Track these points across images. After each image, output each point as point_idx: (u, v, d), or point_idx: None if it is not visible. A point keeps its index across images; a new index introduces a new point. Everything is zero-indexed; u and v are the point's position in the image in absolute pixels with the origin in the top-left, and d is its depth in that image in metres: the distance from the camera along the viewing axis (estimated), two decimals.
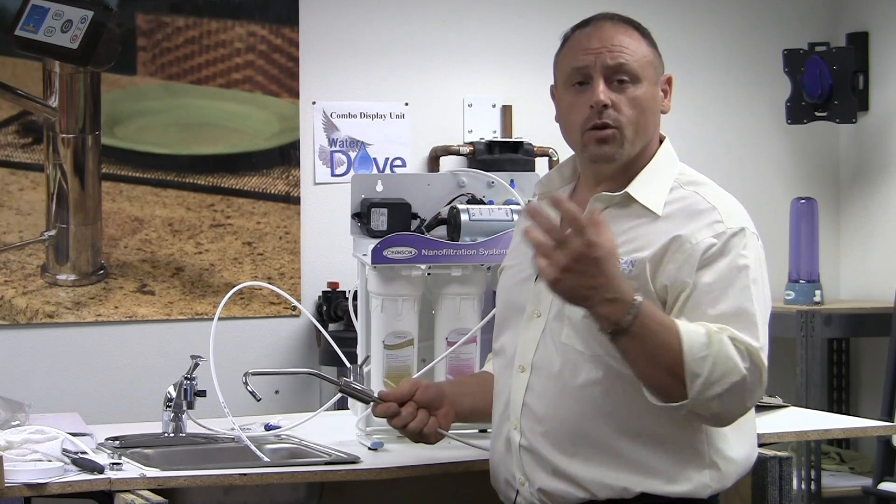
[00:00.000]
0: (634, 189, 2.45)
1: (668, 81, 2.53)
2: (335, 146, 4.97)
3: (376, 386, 3.16)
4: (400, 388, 2.66)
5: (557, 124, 2.55)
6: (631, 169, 2.48)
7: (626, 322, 2.25)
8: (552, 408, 2.42)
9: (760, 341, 2.32)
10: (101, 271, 4.67)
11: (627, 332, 2.25)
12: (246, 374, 2.82)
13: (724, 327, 2.30)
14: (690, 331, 2.28)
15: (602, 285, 2.22)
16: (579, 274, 2.21)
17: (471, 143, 5.01)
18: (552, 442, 2.42)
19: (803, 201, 5.27)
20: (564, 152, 5.06)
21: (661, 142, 2.55)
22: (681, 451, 2.38)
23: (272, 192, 4.87)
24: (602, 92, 2.43)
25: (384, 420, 3.14)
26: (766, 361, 2.32)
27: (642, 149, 2.49)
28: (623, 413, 2.37)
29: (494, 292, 3.21)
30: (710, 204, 2.41)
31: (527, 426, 2.46)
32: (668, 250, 2.36)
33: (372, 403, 2.71)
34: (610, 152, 2.46)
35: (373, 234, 3.12)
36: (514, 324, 2.54)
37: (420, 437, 2.65)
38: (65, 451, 2.82)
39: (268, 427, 3.29)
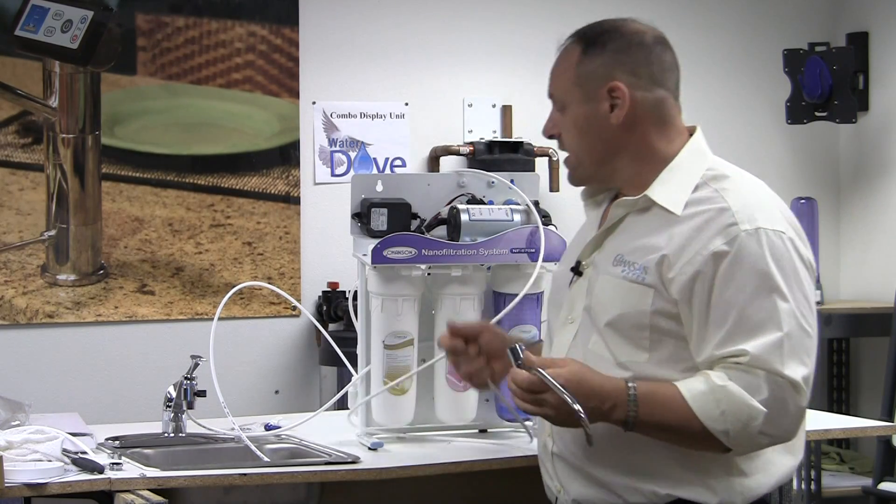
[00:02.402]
0: (654, 190, 2.40)
1: (613, 89, 2.41)
2: (335, 146, 4.97)
3: (376, 386, 3.16)
4: (469, 325, 2.66)
5: None
6: (652, 171, 2.42)
7: (632, 417, 2.27)
8: None
9: (785, 354, 2.25)
10: (101, 271, 4.67)
11: (637, 424, 2.28)
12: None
13: (741, 364, 2.24)
14: (695, 393, 2.26)
15: (594, 406, 2.26)
16: (568, 411, 2.24)
17: (471, 143, 5.01)
18: (584, 449, 2.38)
19: (803, 201, 5.27)
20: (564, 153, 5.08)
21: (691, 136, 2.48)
22: (711, 457, 2.33)
23: (272, 192, 4.87)
24: (548, 121, 2.50)
25: (384, 420, 3.15)
26: (793, 373, 2.25)
27: (654, 152, 2.43)
28: None
29: (494, 292, 3.22)
30: (727, 203, 2.33)
31: (558, 433, 2.45)
32: (680, 259, 2.31)
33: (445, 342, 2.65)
34: (569, 175, 2.53)
35: (373, 234, 3.12)
36: (554, 326, 2.55)
37: (468, 379, 2.65)
38: (65, 451, 2.82)
39: (268, 427, 3.29)
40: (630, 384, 2.28)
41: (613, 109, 2.41)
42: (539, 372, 2.28)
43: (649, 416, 2.27)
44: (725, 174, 2.42)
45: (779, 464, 2.40)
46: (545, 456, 2.51)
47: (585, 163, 2.47)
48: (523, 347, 2.33)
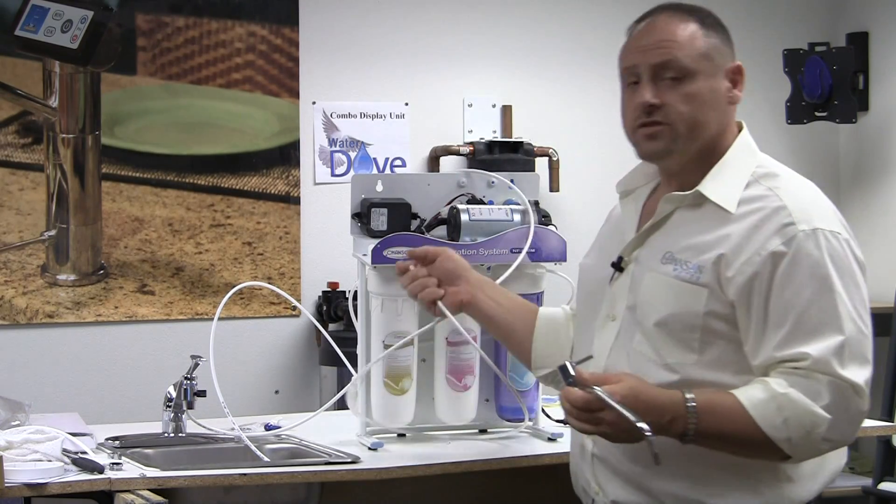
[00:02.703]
0: (706, 186, 2.35)
1: (737, 70, 2.43)
2: (335, 146, 4.97)
3: (376, 385, 3.16)
4: (424, 249, 2.67)
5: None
6: (704, 164, 2.37)
7: (691, 429, 2.21)
8: None
9: (846, 357, 2.23)
10: (101, 271, 4.67)
11: (697, 436, 2.21)
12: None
13: (802, 369, 2.21)
14: (755, 401, 2.20)
15: (653, 420, 2.17)
16: (627, 428, 2.17)
17: (471, 143, 5.01)
18: (624, 451, 2.33)
19: None
20: (564, 152, 5.09)
21: (739, 132, 2.44)
22: (760, 465, 2.29)
23: (272, 192, 4.87)
24: (648, 92, 2.34)
25: (384, 420, 3.15)
26: (855, 376, 2.23)
27: (715, 142, 2.38)
28: None
29: None
30: (782, 202, 2.29)
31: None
32: (737, 260, 2.26)
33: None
34: (659, 147, 2.36)
35: (373, 234, 3.12)
36: (590, 323, 2.47)
37: (413, 295, 2.68)
38: (65, 451, 2.82)
39: (268, 427, 3.29)
40: (688, 396, 2.21)
41: (733, 89, 2.42)
42: (596, 391, 2.20)
43: (709, 428, 2.21)
44: (776, 172, 2.38)
45: (826, 467, 2.38)
46: (582, 457, 2.45)
47: (686, 136, 2.35)
48: (573, 364, 2.25)
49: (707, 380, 2.28)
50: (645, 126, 2.36)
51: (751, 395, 2.22)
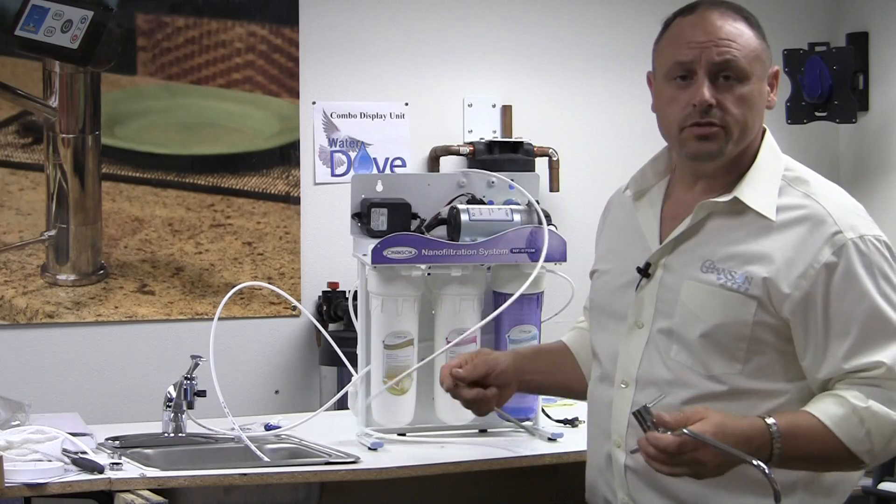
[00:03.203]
0: (744, 193, 2.29)
1: (776, 75, 2.35)
2: (335, 146, 4.97)
3: (376, 386, 3.16)
4: (475, 370, 2.49)
5: (654, 114, 2.38)
6: (735, 168, 2.32)
7: (777, 454, 2.16)
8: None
9: None
10: (101, 271, 4.67)
11: (782, 459, 2.17)
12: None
13: (877, 377, 2.19)
14: (836, 419, 2.18)
15: (742, 451, 2.11)
16: (720, 463, 2.13)
17: (471, 143, 5.01)
18: None
19: None
20: (564, 152, 5.09)
21: (762, 135, 2.36)
22: (799, 477, 2.26)
23: (272, 192, 4.87)
24: (707, 90, 2.26)
25: (384, 420, 3.15)
26: None
27: (752, 145, 2.33)
28: None
29: (494, 292, 3.22)
30: (824, 209, 2.25)
31: (634, 445, 2.27)
32: (790, 275, 2.22)
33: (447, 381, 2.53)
34: (712, 149, 2.28)
35: (373, 234, 3.13)
36: (612, 331, 2.39)
37: (469, 406, 2.54)
38: (65, 451, 2.82)
39: (268, 427, 3.29)
40: (769, 420, 2.17)
41: (771, 92, 2.34)
42: (689, 433, 2.11)
43: (794, 451, 2.17)
44: (806, 177, 2.33)
45: (854, 475, 2.36)
46: (609, 468, 2.37)
47: (739, 140, 2.30)
48: (649, 408, 2.14)
49: (755, 388, 2.25)
50: (698, 125, 2.29)
51: (831, 413, 2.19)
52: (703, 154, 2.30)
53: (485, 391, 2.49)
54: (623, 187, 2.49)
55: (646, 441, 2.13)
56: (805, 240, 2.24)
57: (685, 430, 2.10)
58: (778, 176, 2.32)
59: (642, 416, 2.13)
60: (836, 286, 2.21)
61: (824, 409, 2.19)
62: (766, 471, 2.07)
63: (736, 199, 2.29)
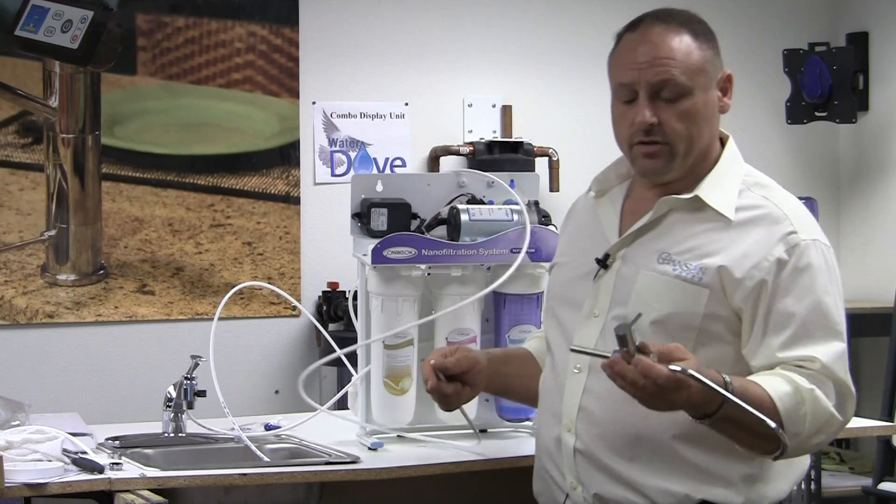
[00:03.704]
0: (704, 192, 2.38)
1: (727, 79, 2.42)
2: (335, 146, 4.97)
3: (376, 386, 3.16)
4: (460, 365, 2.52)
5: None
6: (692, 171, 2.40)
7: (722, 410, 2.18)
8: (612, 411, 2.34)
9: (844, 365, 2.28)
10: (101, 271, 4.67)
11: (720, 419, 2.20)
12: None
13: (812, 371, 2.25)
14: (781, 394, 2.23)
15: (689, 396, 2.15)
16: (667, 398, 2.15)
17: (471, 143, 5.01)
18: (611, 446, 2.35)
19: (803, 201, 5.21)
20: (564, 152, 5.09)
21: (723, 141, 2.46)
22: (740, 458, 2.32)
23: (272, 192, 4.87)
24: (647, 111, 2.34)
25: (384, 420, 3.15)
26: (850, 384, 2.29)
27: (705, 150, 2.41)
28: (685, 418, 2.24)
29: (495, 293, 3.22)
30: (782, 212, 2.36)
31: (583, 429, 2.38)
32: (744, 265, 2.30)
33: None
34: (658, 166, 2.38)
35: (373, 234, 3.12)
36: (568, 321, 2.46)
37: (442, 400, 2.56)
38: (65, 451, 2.82)
39: (268, 427, 3.29)
40: (727, 378, 2.19)
41: (723, 98, 2.41)
42: (689, 372, 2.12)
43: (735, 413, 2.19)
44: (765, 182, 2.44)
45: (797, 466, 2.43)
46: (558, 451, 2.44)
47: (684, 153, 2.37)
48: (631, 329, 2.12)
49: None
50: (643, 144, 2.37)
51: (777, 388, 2.24)
52: (651, 171, 2.40)
53: (461, 387, 2.54)
54: (587, 189, 2.59)
55: (621, 361, 2.12)
56: (761, 236, 2.33)
57: (676, 368, 2.10)
58: (738, 180, 2.42)
59: (625, 337, 2.11)
60: (784, 281, 2.30)
61: (772, 384, 2.25)
62: (773, 426, 2.14)
63: (697, 198, 2.38)
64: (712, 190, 2.38)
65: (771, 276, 2.29)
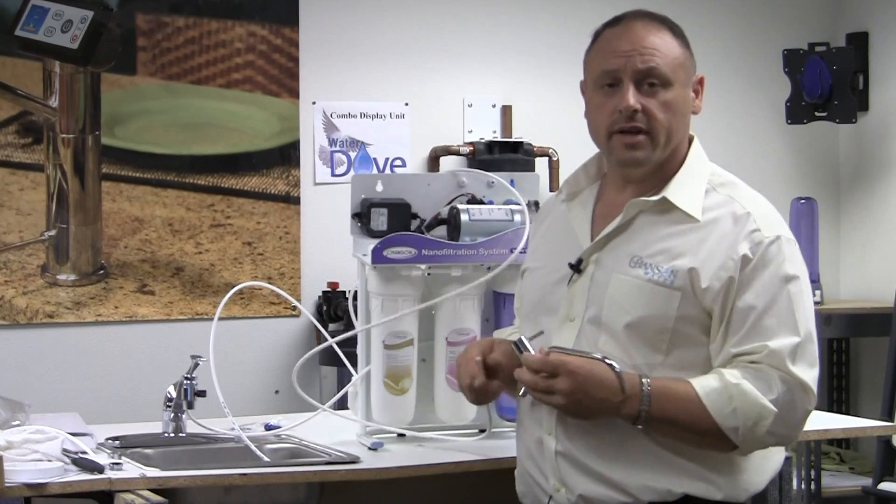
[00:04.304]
0: (672, 193, 2.42)
1: (700, 82, 2.50)
2: (335, 146, 4.97)
3: (376, 386, 3.16)
4: (502, 359, 2.52)
5: (585, 120, 2.53)
6: (662, 172, 2.45)
7: (644, 412, 2.29)
8: None
9: (798, 357, 2.31)
10: (101, 271, 4.67)
11: (650, 419, 2.29)
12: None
13: (758, 361, 2.30)
14: (708, 389, 2.29)
15: (605, 397, 2.27)
16: (580, 399, 2.28)
17: (471, 143, 5.01)
18: (592, 447, 2.39)
19: (803, 201, 5.27)
20: (564, 152, 5.09)
21: (689, 142, 2.51)
22: (719, 454, 2.36)
23: (272, 192, 4.87)
24: (632, 97, 2.40)
25: (384, 420, 3.15)
26: (805, 375, 2.31)
27: (676, 147, 2.45)
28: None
29: (494, 292, 3.22)
30: (746, 210, 2.39)
31: (563, 432, 2.42)
32: (712, 265, 2.34)
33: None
34: (640, 157, 2.42)
35: (373, 234, 3.13)
36: (544, 326, 2.48)
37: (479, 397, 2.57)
38: (65, 451, 2.82)
39: (268, 427, 3.29)
40: (644, 379, 2.29)
41: (695, 100, 2.48)
42: (557, 348, 2.30)
43: (662, 412, 2.29)
44: (731, 180, 2.47)
45: (773, 459, 2.46)
46: (540, 453, 2.47)
47: (665, 145, 2.42)
48: (524, 340, 2.34)
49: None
50: (624, 133, 2.41)
51: (704, 384, 2.31)
52: (631, 161, 2.43)
53: (497, 383, 2.54)
54: (557, 192, 2.62)
55: (522, 363, 2.31)
56: (726, 234, 2.36)
57: (555, 348, 2.31)
58: (704, 180, 2.45)
59: (519, 345, 2.33)
60: (746, 277, 2.33)
61: (700, 381, 2.31)
62: (613, 365, 2.27)
63: (664, 199, 2.41)
64: (679, 190, 2.42)
65: (737, 273, 2.33)
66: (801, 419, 2.35)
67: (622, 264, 2.40)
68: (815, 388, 2.33)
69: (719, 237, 2.36)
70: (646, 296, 2.36)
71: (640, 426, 2.31)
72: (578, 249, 2.47)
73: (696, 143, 2.51)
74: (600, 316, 2.39)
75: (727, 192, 2.43)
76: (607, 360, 2.29)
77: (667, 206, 2.41)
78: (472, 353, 2.54)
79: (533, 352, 2.33)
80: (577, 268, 2.45)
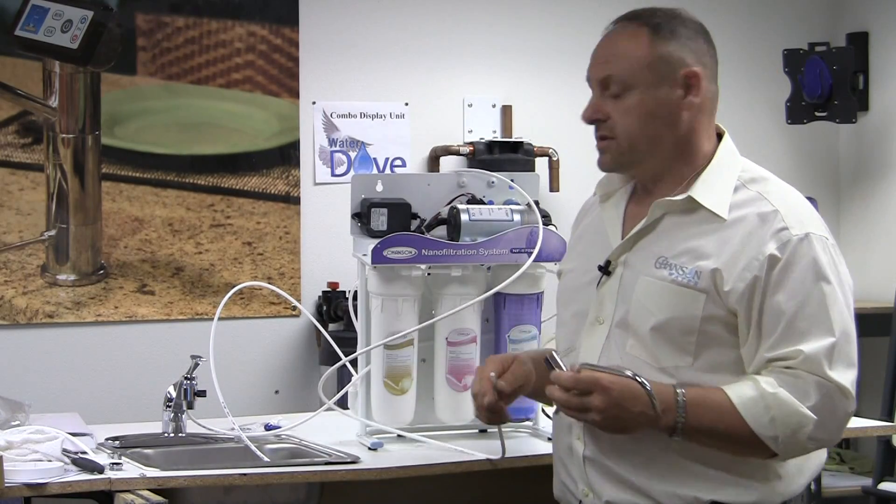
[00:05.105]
0: (698, 192, 2.37)
1: (690, 76, 2.38)
2: (335, 146, 4.97)
3: (376, 386, 3.16)
4: (516, 381, 2.49)
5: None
6: (683, 171, 2.41)
7: (680, 423, 2.25)
8: None
9: (835, 359, 2.26)
10: (101, 271, 4.67)
11: (686, 430, 2.26)
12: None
13: (793, 367, 2.25)
14: (744, 398, 2.25)
15: (641, 411, 2.23)
16: (616, 415, 2.24)
17: (471, 143, 5.01)
18: (620, 453, 2.36)
19: None
20: (564, 152, 5.09)
21: (720, 137, 2.46)
22: (748, 460, 2.32)
23: (272, 192, 4.87)
24: (591, 105, 2.44)
25: (384, 420, 3.16)
26: (842, 379, 2.26)
27: (689, 150, 2.41)
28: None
29: (496, 293, 3.22)
30: (774, 206, 2.34)
31: (591, 437, 2.39)
32: (737, 265, 2.30)
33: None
34: (605, 161, 2.43)
35: (373, 234, 3.13)
36: (575, 328, 2.47)
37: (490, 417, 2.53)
38: (65, 451, 2.82)
39: (268, 427, 3.29)
40: (678, 390, 2.26)
41: (686, 96, 2.39)
42: (588, 365, 2.26)
43: (698, 423, 2.25)
44: (763, 176, 2.42)
45: (812, 462, 2.41)
46: (570, 459, 2.45)
47: (634, 149, 2.39)
48: (555, 355, 2.31)
49: (705, 383, 2.31)
50: (597, 140, 2.44)
51: (740, 393, 2.26)
52: (601, 165, 2.45)
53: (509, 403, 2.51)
54: (593, 192, 2.60)
55: (552, 380, 2.28)
56: (753, 233, 2.32)
57: (586, 364, 2.27)
58: (734, 176, 2.40)
59: (551, 362, 2.31)
60: (775, 278, 2.29)
61: (736, 390, 2.27)
62: (645, 384, 2.22)
63: (690, 198, 2.37)
64: (705, 189, 2.37)
65: (763, 273, 2.28)
66: (842, 423, 2.30)
67: (648, 265, 2.37)
68: (853, 389, 2.27)
69: (744, 236, 2.31)
70: (671, 297, 2.32)
71: (676, 437, 2.27)
72: (608, 250, 2.44)
73: (726, 139, 2.46)
74: (627, 318, 2.36)
75: (757, 189, 2.37)
76: (638, 379, 2.24)
77: (693, 206, 2.37)
78: (487, 369, 2.50)
79: (564, 368, 2.30)
80: (605, 270, 2.42)
